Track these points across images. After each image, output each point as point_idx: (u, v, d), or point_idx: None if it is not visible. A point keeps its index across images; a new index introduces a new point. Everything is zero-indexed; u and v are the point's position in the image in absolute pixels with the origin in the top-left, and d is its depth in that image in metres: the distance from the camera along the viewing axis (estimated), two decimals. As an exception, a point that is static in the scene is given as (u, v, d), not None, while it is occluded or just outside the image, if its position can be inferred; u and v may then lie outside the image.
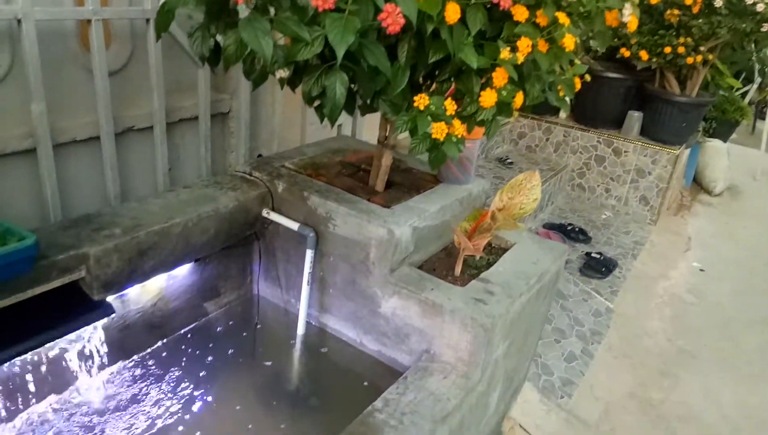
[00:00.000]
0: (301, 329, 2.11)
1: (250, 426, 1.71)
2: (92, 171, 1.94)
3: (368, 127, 3.19)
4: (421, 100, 1.31)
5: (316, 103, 1.39)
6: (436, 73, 1.47)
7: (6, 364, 1.51)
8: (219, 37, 1.34)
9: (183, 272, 1.99)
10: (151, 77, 2.00)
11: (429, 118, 1.31)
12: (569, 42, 1.33)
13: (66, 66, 1.83)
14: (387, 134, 2.01)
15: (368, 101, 1.43)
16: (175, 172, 2.25)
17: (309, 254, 2.01)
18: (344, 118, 3.05)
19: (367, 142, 2.63)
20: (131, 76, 2.03)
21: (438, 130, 1.31)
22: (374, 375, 1.95)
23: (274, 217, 2.08)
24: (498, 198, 1.92)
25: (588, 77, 1.59)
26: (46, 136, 1.73)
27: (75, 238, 1.60)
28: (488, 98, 1.32)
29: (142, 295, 1.87)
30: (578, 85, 1.56)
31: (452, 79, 1.41)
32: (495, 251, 2.12)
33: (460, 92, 1.43)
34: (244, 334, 2.10)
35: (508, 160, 4.63)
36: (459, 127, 1.34)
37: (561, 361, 2.69)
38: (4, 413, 1.57)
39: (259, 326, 2.17)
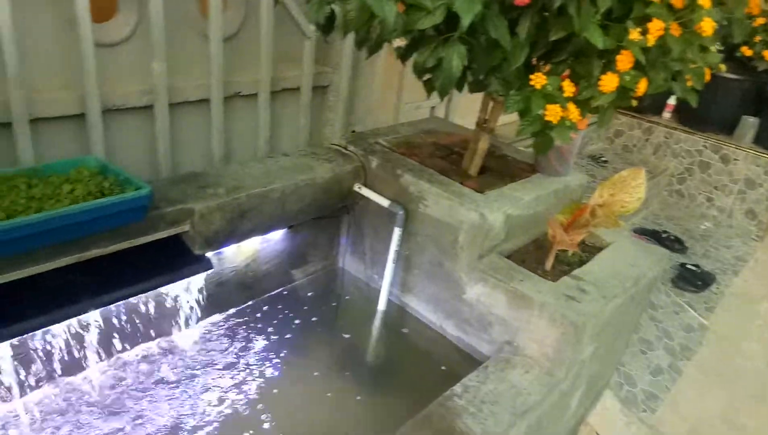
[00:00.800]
0: (382, 306, 2.12)
1: (328, 394, 1.74)
2: (199, 132, 2.03)
3: (461, 112, 3.13)
4: (538, 79, 1.25)
5: (426, 76, 1.37)
6: (552, 53, 1.40)
7: (112, 306, 1.62)
8: (335, 6, 1.35)
9: (276, 237, 2.05)
10: (261, 45, 2.06)
11: (543, 98, 1.25)
12: (707, 26, 1.23)
13: (184, 30, 1.92)
14: (487, 117, 1.96)
15: (480, 77, 1.39)
16: (274, 140, 2.31)
17: (397, 232, 2.00)
18: (437, 101, 3.02)
19: (460, 126, 2.59)
20: (242, 43, 2.10)
21: (552, 112, 1.25)
22: (452, 361, 1.93)
23: (366, 192, 2.09)
24: (598, 193, 1.83)
25: (722, 67, 1.46)
26: (163, 94, 1.83)
27: (183, 194, 1.68)
28: (609, 83, 1.24)
29: (237, 254, 1.94)
30: (708, 77, 1.43)
31: (569, 61, 1.34)
32: (588, 249, 2.03)
33: (576, 75, 1.36)
34: (327, 304, 2.13)
35: (602, 159, 4.42)
36: (574, 112, 1.27)
37: (646, 373, 2.55)
38: (103, 353, 1.68)
39: (341, 298, 2.20)
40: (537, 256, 1.96)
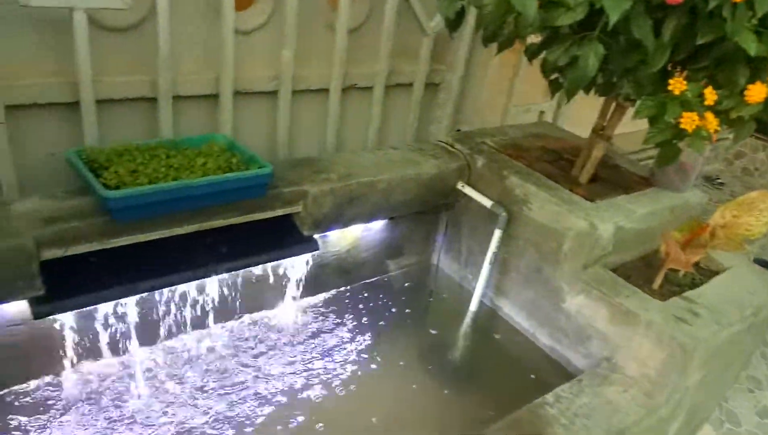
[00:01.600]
0: (473, 306, 2.11)
1: (413, 386, 1.76)
2: (316, 119, 2.12)
3: (570, 119, 3.04)
4: (678, 85, 1.19)
5: (553, 76, 1.35)
6: (692, 58, 1.33)
7: (226, 274, 1.74)
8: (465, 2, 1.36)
9: (377, 227, 2.10)
10: (381, 39, 2.12)
11: (680, 105, 1.20)
12: None
13: (313, 20, 2.01)
14: (605, 123, 1.89)
15: (613, 80, 1.35)
16: (382, 132, 2.37)
17: (497, 234, 1.99)
18: (547, 105, 2.95)
19: (570, 133, 2.51)
20: (364, 36, 2.17)
21: (688, 120, 1.19)
22: (542, 370, 1.88)
23: (468, 191, 2.09)
24: (720, 214, 1.72)
25: None
26: (288, 81, 1.93)
27: (299, 177, 1.76)
28: (757, 93, 1.16)
29: (340, 240, 2.01)
30: None
31: (710, 67, 1.26)
32: (703, 272, 1.90)
33: (715, 83, 1.28)
34: (418, 298, 2.16)
35: (718, 180, 4.11)
36: (713, 121, 1.20)
37: (752, 414, 2.36)
38: (216, 317, 1.81)
39: (433, 294, 2.22)
40: (645, 273, 1.86)
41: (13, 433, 1.37)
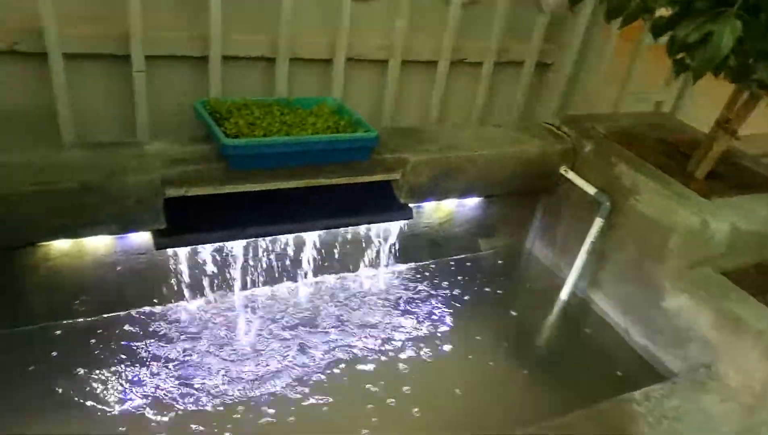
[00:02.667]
0: (564, 295, 2.06)
1: (491, 363, 1.76)
2: (422, 91, 2.14)
3: (691, 112, 2.83)
4: (826, 75, 1.08)
5: (680, 55, 1.26)
6: None
7: (323, 232, 1.82)
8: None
9: (471, 203, 2.10)
10: (495, 15, 2.09)
11: (826, 97, 1.08)
12: None
13: (427, -8, 2.03)
14: (732, 115, 1.75)
15: (749, 61, 1.24)
16: (487, 109, 2.34)
17: (598, 223, 1.91)
18: (666, 94, 2.76)
19: (690, 126, 2.34)
20: (478, 11, 2.14)
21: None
22: (631, 368, 1.81)
23: (572, 176, 2.02)
24: None
25: None
26: (399, 50, 1.96)
27: (400, 144, 1.79)
28: None
29: (434, 212, 2.03)
30: None
31: None
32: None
33: None
34: (507, 281, 2.13)
35: None
36: None
37: None
38: (309, 270, 1.90)
39: (522, 278, 2.18)
40: (758, 281, 1.73)
41: (133, 348, 1.54)
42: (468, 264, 2.17)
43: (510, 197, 2.14)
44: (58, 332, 1.54)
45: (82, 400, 1.38)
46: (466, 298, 1.98)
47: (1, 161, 1.34)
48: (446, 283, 2.04)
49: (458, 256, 2.19)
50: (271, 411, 1.45)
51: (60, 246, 1.47)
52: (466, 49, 2.15)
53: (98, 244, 1.52)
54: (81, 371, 1.45)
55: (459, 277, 2.08)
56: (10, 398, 1.35)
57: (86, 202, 1.34)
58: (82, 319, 1.58)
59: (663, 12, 1.24)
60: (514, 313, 1.98)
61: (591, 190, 1.93)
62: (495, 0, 2.09)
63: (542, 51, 2.30)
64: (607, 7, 1.35)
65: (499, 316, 1.95)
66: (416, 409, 1.53)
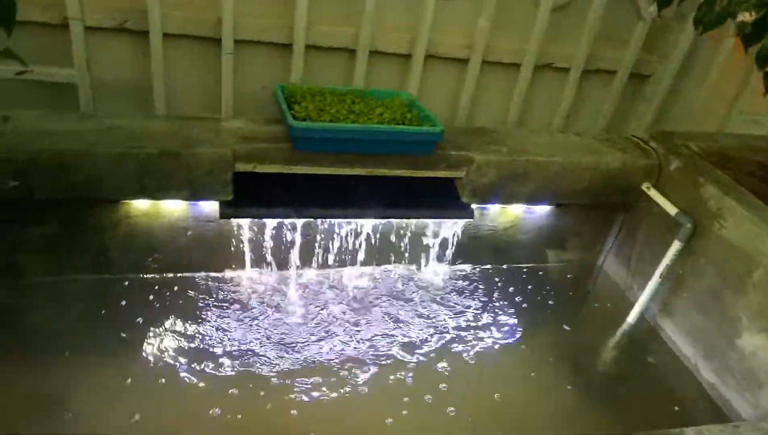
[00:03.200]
0: (632, 319, 1.94)
1: (533, 374, 1.69)
2: (501, 93, 2.10)
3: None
4: None
5: (772, 69, 1.15)
6: None
7: (382, 221, 1.85)
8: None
9: (541, 212, 2.03)
10: (587, 20, 2.00)
11: None
12: None
13: (516, -6, 1.99)
14: None
15: None
16: (571, 117, 2.25)
17: (676, 246, 1.78)
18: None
19: (806, 155, 2.10)
20: (569, 16, 2.07)
21: None
22: (692, 406, 1.66)
23: (653, 194, 1.89)
24: None
25: None
26: (480, 50, 1.95)
27: (468, 143, 1.78)
28: None
29: (499, 216, 1.99)
30: None
31: None
32: None
33: None
34: (572, 297, 2.04)
35: None
36: None
37: None
38: (364, 258, 1.93)
39: (589, 296, 2.07)
40: None
41: (193, 308, 1.66)
42: (532, 274, 2.10)
43: (584, 209, 2.05)
44: (132, 284, 1.69)
45: (140, 346, 1.51)
46: (524, 307, 1.92)
47: (100, 125, 1.51)
48: (505, 289, 1.99)
49: (522, 265, 2.13)
50: (308, 381, 1.50)
51: (140, 206, 1.62)
52: (553, 54, 2.08)
53: (173, 209, 1.66)
54: (144, 321, 1.58)
55: (520, 286, 2.02)
56: (80, 334, 1.51)
57: (163, 167, 1.47)
58: (152, 276, 1.73)
59: (747, 17, 1.13)
60: (573, 330, 1.89)
61: (672, 210, 1.80)
62: (588, 5, 2.00)
63: (639, 61, 2.17)
64: (696, 15, 1.25)
65: (557, 331, 1.87)
66: (451, 408, 1.51)
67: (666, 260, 1.82)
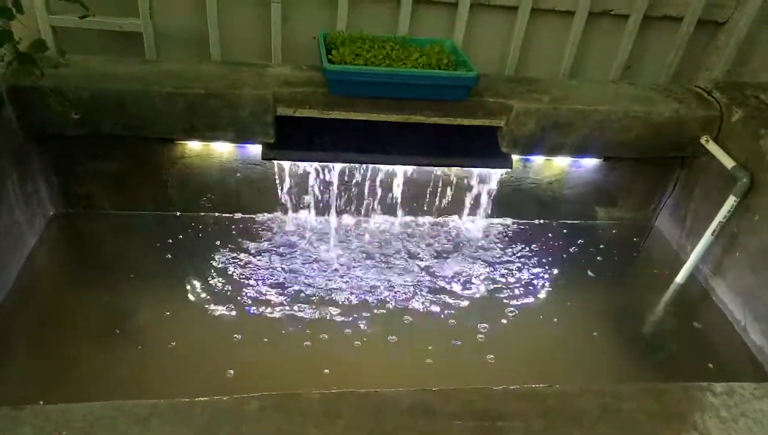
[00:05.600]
0: (680, 278, 1.85)
1: (575, 331, 1.67)
2: (554, 42, 2.02)
3: None
4: None
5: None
6: None
7: (415, 170, 1.87)
8: None
9: (588, 165, 1.97)
10: (649, -40, 1.88)
11: None
12: None
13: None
14: None
15: None
16: (632, 69, 2.13)
17: (730, 201, 1.68)
18: None
19: None
20: (630, -43, 1.95)
21: None
22: (739, 369, 1.59)
23: (712, 147, 1.78)
24: None
25: None
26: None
27: (509, 91, 1.76)
28: None
29: (543, 169, 1.96)
30: None
31: None
32: None
33: None
34: (620, 255, 1.97)
35: None
36: None
37: None
38: (401, 208, 1.98)
39: (639, 255, 2.00)
40: None
41: (241, 245, 1.80)
42: (579, 230, 2.06)
43: (636, 164, 1.96)
44: (185, 221, 1.85)
45: (192, 278, 1.67)
46: (569, 264, 1.89)
47: (157, 69, 1.65)
48: (549, 245, 1.96)
49: (568, 221, 2.08)
50: (345, 320, 1.59)
51: (193, 146, 1.76)
52: (613, 0, 1.97)
53: (223, 151, 1.79)
54: (198, 256, 1.73)
55: (566, 242, 1.99)
56: (137, 264, 1.68)
57: (210, 107, 1.59)
58: (204, 214, 1.88)
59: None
60: (621, 290, 1.85)
61: (730, 163, 1.69)
62: (652, -57, 1.87)
63: (710, 6, 2.01)
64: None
65: (604, 290, 1.83)
66: (491, 356, 1.53)
67: (719, 217, 1.72)
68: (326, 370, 1.43)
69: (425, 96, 1.65)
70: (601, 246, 1.99)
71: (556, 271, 1.85)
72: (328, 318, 1.58)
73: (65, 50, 1.63)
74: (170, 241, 1.77)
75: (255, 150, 1.77)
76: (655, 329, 1.71)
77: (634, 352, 1.62)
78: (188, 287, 1.62)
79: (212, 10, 1.80)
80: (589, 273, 1.88)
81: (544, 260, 1.89)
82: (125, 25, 1.79)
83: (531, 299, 1.74)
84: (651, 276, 1.91)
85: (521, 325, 1.65)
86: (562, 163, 1.95)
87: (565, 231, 2.04)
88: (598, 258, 1.94)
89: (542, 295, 1.76)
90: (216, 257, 1.73)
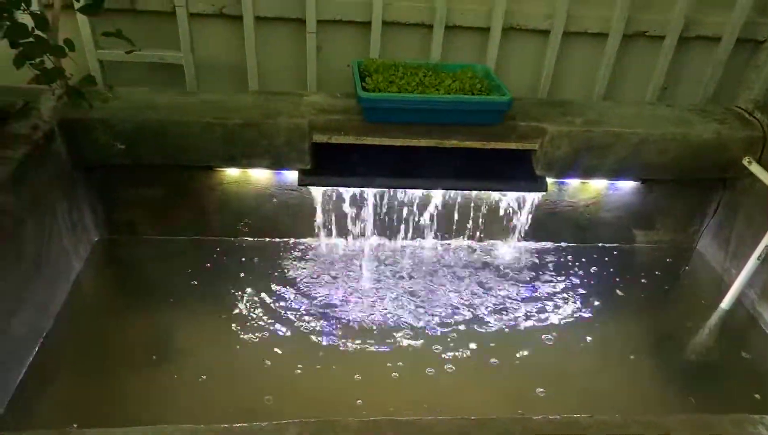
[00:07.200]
0: (725, 304, 1.79)
1: (615, 358, 1.63)
2: (586, 64, 2.02)
3: None
4: None
5: None
6: None
7: (451, 193, 1.87)
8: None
9: (625, 187, 1.94)
10: (683, -19, 1.86)
11: None
12: None
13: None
14: None
15: None
16: (668, 90, 2.10)
17: (777, 225, 1.62)
18: None
19: None
20: (664, -22, 1.94)
21: None
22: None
23: (755, 169, 1.73)
24: None
25: None
26: (562, 20, 1.89)
27: (542, 114, 1.75)
28: None
29: (579, 192, 1.93)
30: None
31: None
32: None
33: None
34: (662, 279, 1.92)
35: None
36: None
37: None
38: (434, 231, 1.97)
39: (680, 280, 1.94)
40: None
41: (278, 273, 1.82)
42: (617, 253, 2.01)
43: (676, 186, 1.92)
44: (223, 246, 1.89)
45: (228, 302, 1.70)
46: (608, 287, 1.86)
47: (196, 100, 1.71)
48: (587, 269, 1.93)
49: (606, 244, 2.05)
50: (380, 349, 1.59)
51: (231, 173, 1.80)
52: (645, 21, 1.96)
53: (260, 177, 1.82)
54: (235, 280, 1.77)
55: (603, 266, 1.94)
56: (176, 289, 1.72)
57: (247, 136, 1.63)
58: (241, 239, 1.91)
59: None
60: (662, 314, 1.80)
61: (774, 185, 1.64)
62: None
63: (749, 24, 1.97)
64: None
65: (645, 314, 1.78)
66: (528, 383, 1.50)
67: (765, 240, 1.66)
68: (359, 401, 1.42)
69: (459, 121, 1.66)
70: (640, 270, 1.94)
71: (593, 296, 1.82)
72: (363, 346, 1.58)
73: (112, 84, 1.70)
74: (208, 265, 1.81)
75: (291, 176, 1.81)
76: (699, 357, 1.65)
77: (677, 380, 1.57)
78: (225, 311, 1.65)
79: (250, 42, 1.86)
80: (629, 298, 1.83)
81: (581, 284, 1.86)
82: (167, 58, 1.87)
83: (569, 325, 1.70)
84: (694, 301, 1.86)
85: (559, 351, 1.62)
86: (598, 185, 1.92)
87: (602, 254, 2.01)
88: (638, 282, 1.89)
89: (580, 320, 1.72)
90: (252, 282, 1.76)
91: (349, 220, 1.90)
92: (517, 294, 1.81)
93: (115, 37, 1.39)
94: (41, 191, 1.49)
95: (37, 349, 1.47)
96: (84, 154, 1.63)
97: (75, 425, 1.32)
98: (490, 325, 1.68)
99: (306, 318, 1.65)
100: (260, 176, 1.83)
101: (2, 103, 1.56)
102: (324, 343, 1.58)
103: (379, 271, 1.86)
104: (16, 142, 1.45)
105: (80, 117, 1.55)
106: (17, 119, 1.54)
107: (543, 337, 1.65)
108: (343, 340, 1.59)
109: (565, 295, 1.82)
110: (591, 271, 1.92)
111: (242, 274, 1.78)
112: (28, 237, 1.43)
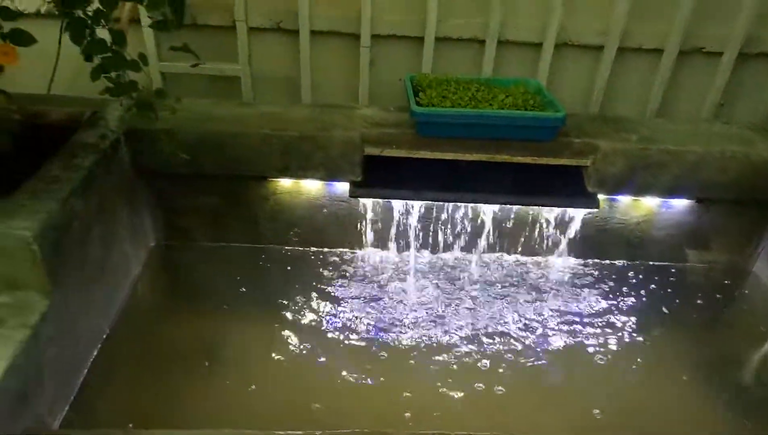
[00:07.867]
0: (784, 329, 1.74)
1: (665, 383, 1.59)
2: (641, 80, 1.99)
3: None
4: None
5: None
6: None
7: (500, 208, 1.87)
8: None
9: (679, 205, 1.90)
10: (745, -3, 1.83)
11: None
12: None
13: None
14: None
15: None
16: (726, 107, 2.06)
17: (843, 249, 1.57)
18: None
19: None
20: (722, -6, 1.90)
21: None
22: None
23: (819, 190, 1.68)
24: None
25: None
26: (617, 36, 1.88)
27: (595, 131, 1.74)
28: None
29: (630, 209, 1.90)
30: None
31: None
32: None
33: None
34: (717, 301, 1.87)
35: None
36: None
37: None
38: (483, 246, 1.97)
39: (736, 303, 1.89)
40: None
41: (327, 283, 1.85)
42: (669, 273, 1.97)
43: (733, 205, 1.87)
44: (273, 254, 1.93)
45: (277, 310, 1.73)
46: (659, 308, 1.81)
47: (253, 111, 1.76)
48: (638, 288, 1.89)
49: (658, 263, 2.00)
50: (427, 362, 1.59)
51: (284, 184, 1.84)
52: (704, 37, 1.92)
53: (311, 187, 1.86)
54: (284, 288, 1.80)
55: (655, 285, 1.91)
56: (227, 295, 1.77)
57: (302, 148, 1.67)
58: (291, 248, 1.95)
59: None
60: (716, 336, 1.75)
61: (841, 208, 1.59)
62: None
63: (815, 41, 1.92)
64: None
65: (698, 336, 1.73)
66: (597, 411, 1.46)
67: (830, 265, 1.61)
68: (407, 414, 1.43)
69: (512, 136, 1.66)
70: (694, 291, 1.90)
71: (645, 315, 1.78)
72: (411, 359, 1.59)
73: (179, 96, 1.76)
74: (259, 273, 1.85)
75: (341, 187, 1.83)
76: (756, 382, 1.60)
77: (735, 406, 1.52)
78: (274, 319, 1.68)
79: (305, 55, 1.91)
80: (681, 318, 1.79)
81: (632, 303, 1.83)
82: (225, 71, 1.93)
83: (619, 345, 1.67)
84: (750, 324, 1.80)
85: (611, 373, 1.59)
86: (651, 203, 1.89)
87: (654, 273, 1.97)
88: (691, 303, 1.85)
89: (631, 340, 1.69)
90: (302, 290, 1.79)
91: (397, 233, 1.92)
92: (567, 311, 1.79)
93: (183, 52, 1.45)
94: (107, 198, 1.56)
95: (96, 351, 1.53)
96: (147, 163, 1.69)
97: (131, 425, 1.37)
98: (540, 342, 1.67)
99: (353, 328, 1.67)
100: (311, 187, 1.86)
101: (74, 113, 1.64)
102: (372, 354, 1.59)
103: (427, 284, 1.87)
104: (84, 151, 1.52)
105: (146, 127, 1.62)
106: (85, 128, 1.61)
107: (595, 356, 1.63)
108: (391, 352, 1.60)
109: (615, 313, 1.79)
110: (642, 290, 1.89)
111: (292, 283, 1.82)
112: (94, 242, 1.50)
